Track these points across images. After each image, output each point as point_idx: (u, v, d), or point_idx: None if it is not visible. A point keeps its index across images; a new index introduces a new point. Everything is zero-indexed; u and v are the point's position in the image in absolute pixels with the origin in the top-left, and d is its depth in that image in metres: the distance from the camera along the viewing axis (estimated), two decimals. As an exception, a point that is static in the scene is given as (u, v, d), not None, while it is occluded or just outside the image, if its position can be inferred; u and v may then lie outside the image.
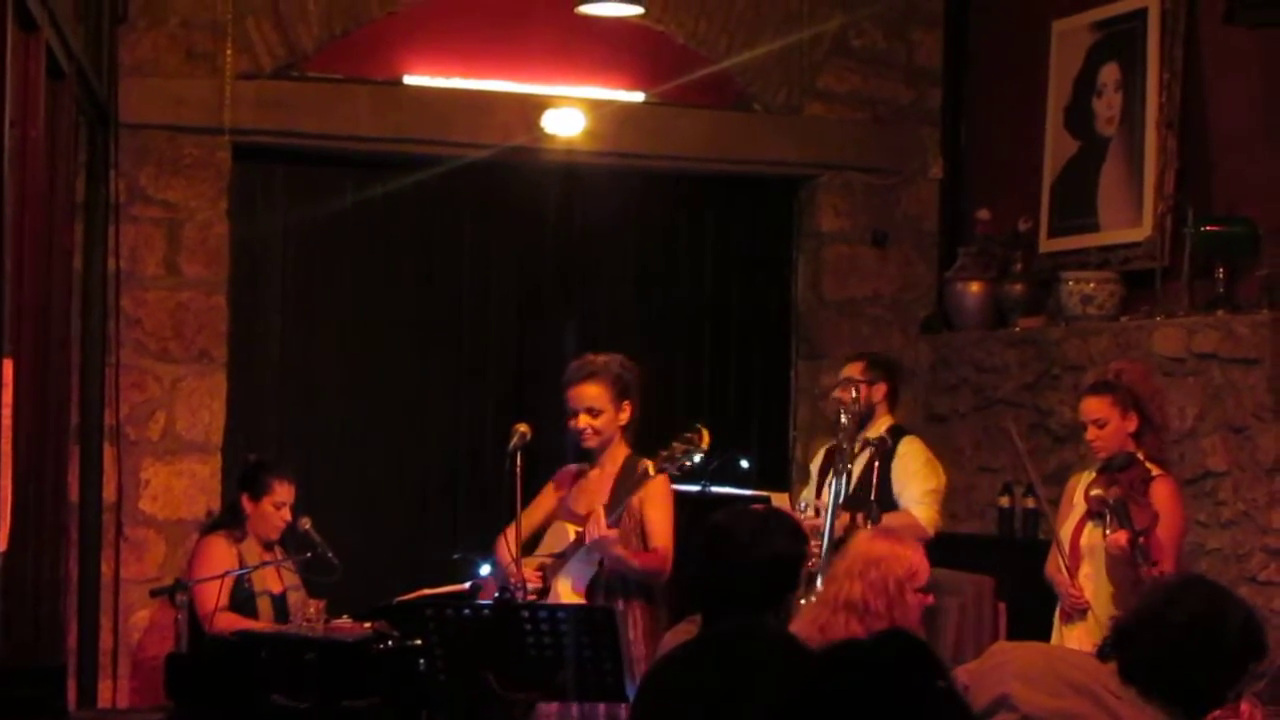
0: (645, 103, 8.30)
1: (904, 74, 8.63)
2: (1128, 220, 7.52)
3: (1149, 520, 5.59)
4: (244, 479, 6.61)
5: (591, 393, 5.78)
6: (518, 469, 5.54)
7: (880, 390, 6.71)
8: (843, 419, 6.43)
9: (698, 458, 5.66)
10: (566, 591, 5.64)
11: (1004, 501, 7.80)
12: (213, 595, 6.19)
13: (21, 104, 5.25)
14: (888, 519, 6.33)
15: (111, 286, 7.46)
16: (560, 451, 5.98)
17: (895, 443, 6.66)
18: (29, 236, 5.47)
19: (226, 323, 7.74)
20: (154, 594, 6.63)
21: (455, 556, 6.20)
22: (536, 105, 8.06)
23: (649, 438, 5.93)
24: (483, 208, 8.26)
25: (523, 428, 5.61)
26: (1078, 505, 5.94)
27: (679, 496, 5.98)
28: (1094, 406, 5.89)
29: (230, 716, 5.95)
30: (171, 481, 7.61)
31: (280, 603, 6.43)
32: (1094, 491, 5.78)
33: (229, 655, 5.97)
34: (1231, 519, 6.68)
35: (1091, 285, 7.53)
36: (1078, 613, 5.83)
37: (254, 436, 7.70)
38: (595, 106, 8.14)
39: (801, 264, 8.68)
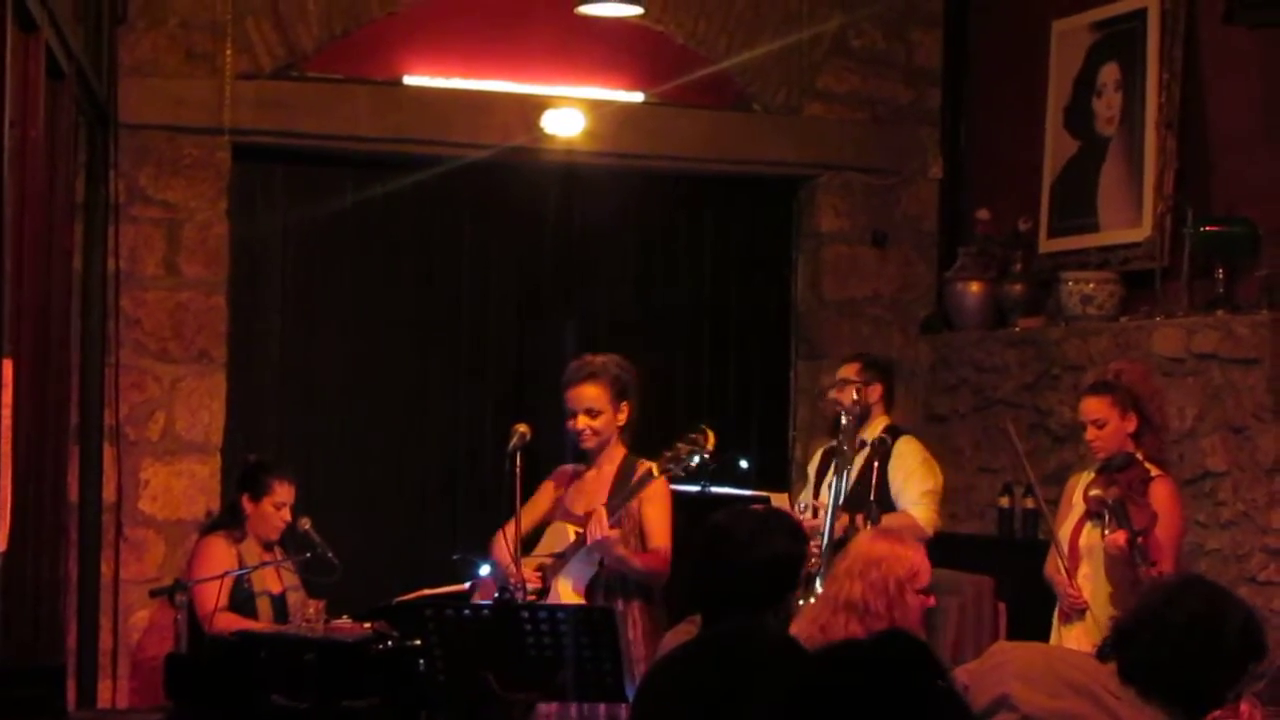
0: (645, 103, 8.30)
1: (903, 74, 8.63)
2: (1127, 220, 7.52)
3: (1148, 520, 5.59)
4: (244, 479, 6.61)
5: (590, 394, 5.78)
6: (517, 469, 5.54)
7: (876, 391, 6.72)
8: (843, 420, 6.43)
9: (702, 458, 5.67)
10: (567, 592, 5.64)
11: (1004, 502, 7.81)
12: (212, 595, 6.19)
13: (21, 104, 5.25)
14: (886, 520, 6.33)
15: (111, 287, 7.46)
16: (560, 452, 5.98)
17: (892, 443, 6.66)
18: (29, 237, 5.47)
19: (226, 323, 7.74)
20: (153, 594, 6.63)
21: (455, 557, 6.20)
22: (536, 105, 8.06)
23: (649, 438, 5.93)
24: (482, 208, 8.26)
25: (522, 428, 5.62)
26: (1077, 505, 5.94)
27: (678, 497, 5.98)
28: (1093, 407, 5.89)
29: (230, 717, 5.94)
30: (171, 482, 7.61)
31: (280, 603, 6.43)
32: (1093, 492, 5.79)
33: (228, 655, 5.97)
34: (1231, 519, 6.68)
35: (1091, 285, 7.53)
36: (1076, 613, 5.83)
37: (253, 437, 7.70)
38: (595, 107, 8.14)
39: (801, 264, 8.69)
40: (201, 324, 7.67)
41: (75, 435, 7.25)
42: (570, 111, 8.09)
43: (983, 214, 8.25)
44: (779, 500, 7.01)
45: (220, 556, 6.40)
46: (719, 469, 6.81)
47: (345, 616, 6.18)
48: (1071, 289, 7.57)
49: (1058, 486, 6.36)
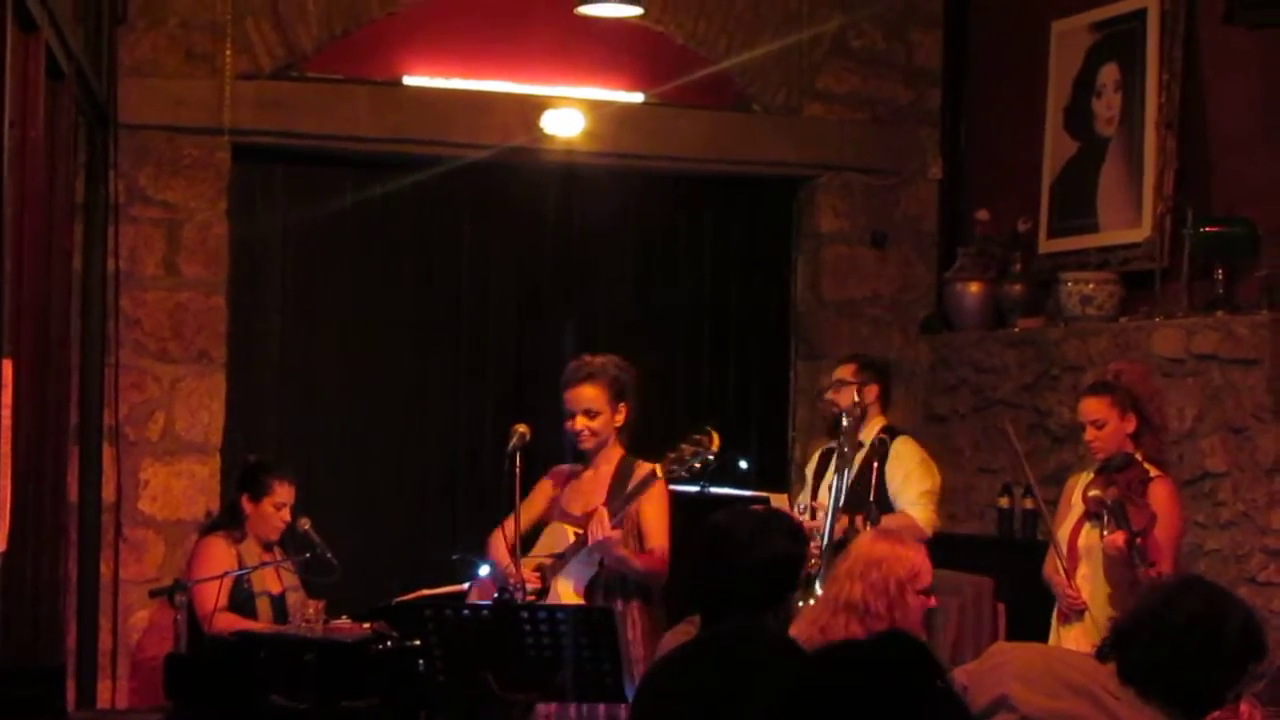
0: (644, 103, 8.30)
1: (903, 74, 8.63)
2: (1127, 221, 7.53)
3: (1146, 521, 5.59)
4: (244, 479, 6.61)
5: (589, 394, 5.78)
6: (517, 469, 5.54)
7: (872, 391, 6.71)
8: (844, 422, 6.43)
9: (708, 460, 5.67)
10: (567, 592, 5.64)
11: (1003, 502, 7.81)
12: (212, 596, 6.19)
13: (21, 104, 5.25)
14: (886, 521, 6.33)
15: (111, 287, 7.46)
16: (559, 452, 5.98)
17: (890, 443, 6.66)
18: (28, 237, 5.47)
19: (226, 323, 7.75)
20: (153, 594, 6.63)
21: (454, 557, 6.20)
22: (536, 106, 8.06)
23: (649, 438, 5.93)
24: (482, 208, 8.26)
25: (522, 428, 5.61)
26: (1076, 506, 5.94)
27: (678, 497, 5.98)
28: (1092, 407, 5.89)
29: (229, 717, 5.95)
30: (171, 482, 7.62)
31: (279, 603, 6.43)
32: (1092, 492, 5.79)
33: (228, 656, 5.98)
34: (1231, 520, 6.68)
35: (1091, 286, 7.53)
36: (1075, 613, 5.83)
37: (253, 437, 7.70)
38: (594, 107, 8.14)
39: (801, 264, 8.69)
40: (201, 324, 7.67)
41: (75, 435, 7.26)
42: (570, 112, 8.09)
43: (982, 214, 8.25)
44: (778, 501, 7.01)
45: (220, 557, 6.40)
46: (718, 469, 6.82)
47: (345, 617, 6.18)
48: (1071, 289, 7.57)
49: (1057, 487, 6.36)
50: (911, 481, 6.64)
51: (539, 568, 5.68)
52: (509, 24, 8.10)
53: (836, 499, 6.26)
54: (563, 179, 8.32)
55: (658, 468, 5.67)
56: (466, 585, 6.03)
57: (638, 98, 8.30)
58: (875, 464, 6.48)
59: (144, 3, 7.57)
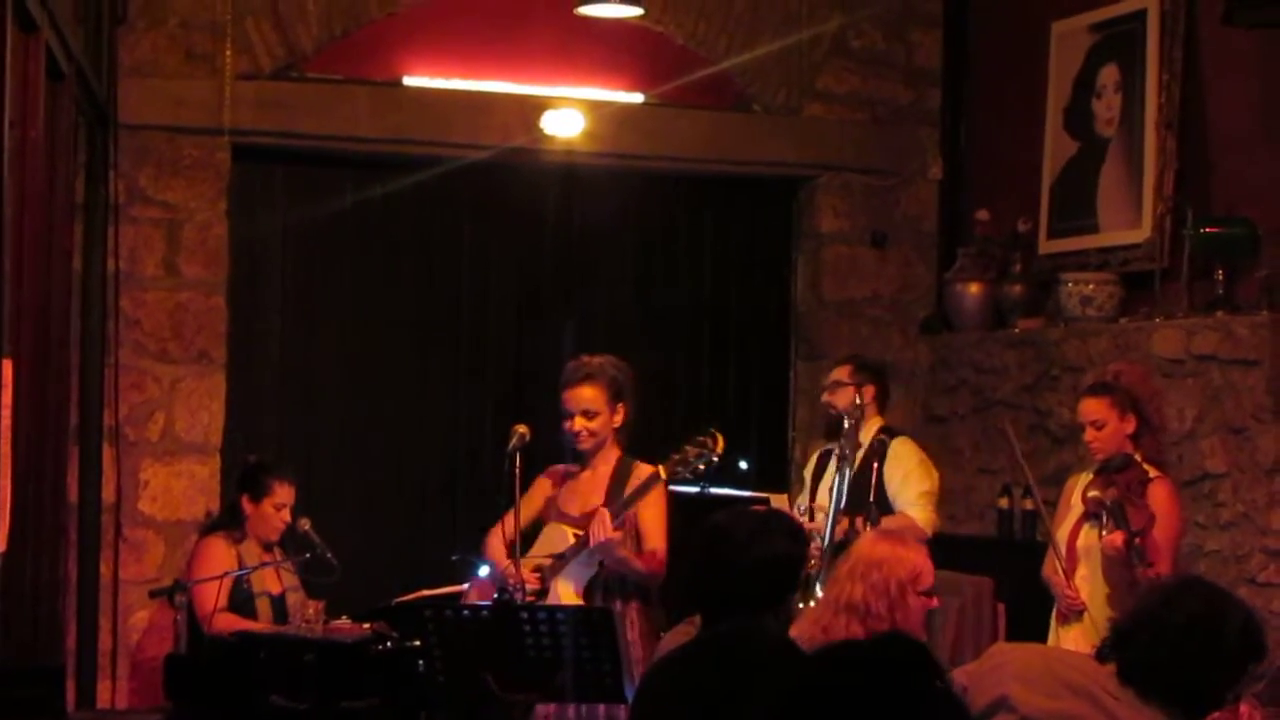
0: (644, 104, 8.30)
1: (903, 75, 8.63)
2: (1127, 221, 7.52)
3: (1145, 521, 5.59)
4: (244, 480, 6.61)
5: (587, 395, 5.78)
6: (517, 470, 5.54)
7: (869, 392, 6.71)
8: (845, 424, 6.43)
9: (712, 461, 5.68)
10: (568, 593, 5.64)
11: (1003, 503, 7.80)
12: (212, 596, 6.19)
13: (21, 105, 5.25)
14: (886, 522, 6.33)
15: (111, 287, 7.46)
16: (559, 452, 5.97)
17: (888, 444, 6.66)
18: (28, 237, 5.47)
19: (226, 323, 7.74)
20: (153, 595, 6.63)
21: (454, 558, 6.20)
22: (536, 106, 8.06)
23: (649, 439, 5.93)
24: (482, 208, 8.26)
25: (522, 429, 5.62)
26: (1075, 507, 5.94)
27: (678, 498, 5.98)
28: (1092, 408, 5.89)
29: (229, 717, 5.95)
30: (170, 482, 7.61)
31: (279, 604, 6.43)
32: (1091, 493, 5.79)
33: (228, 656, 5.98)
34: (1231, 520, 6.68)
35: (1091, 286, 7.53)
36: (1074, 614, 5.83)
37: (253, 437, 7.69)
38: (594, 107, 8.14)
39: (801, 265, 8.69)
40: (201, 324, 7.67)
41: (75, 436, 7.25)
42: (570, 112, 8.09)
43: (982, 215, 8.25)
44: (778, 501, 7.01)
45: (220, 557, 6.40)
46: (718, 470, 6.82)
47: (345, 617, 6.18)
48: (1071, 290, 7.57)
49: (1057, 487, 6.36)
50: (910, 482, 6.63)
51: (538, 568, 5.69)
52: (509, 24, 8.10)
53: (838, 500, 6.25)
54: (563, 179, 8.32)
55: (661, 469, 5.67)
56: (467, 586, 6.03)
57: (638, 98, 8.30)
58: (874, 465, 6.48)
59: (144, 3, 7.57)
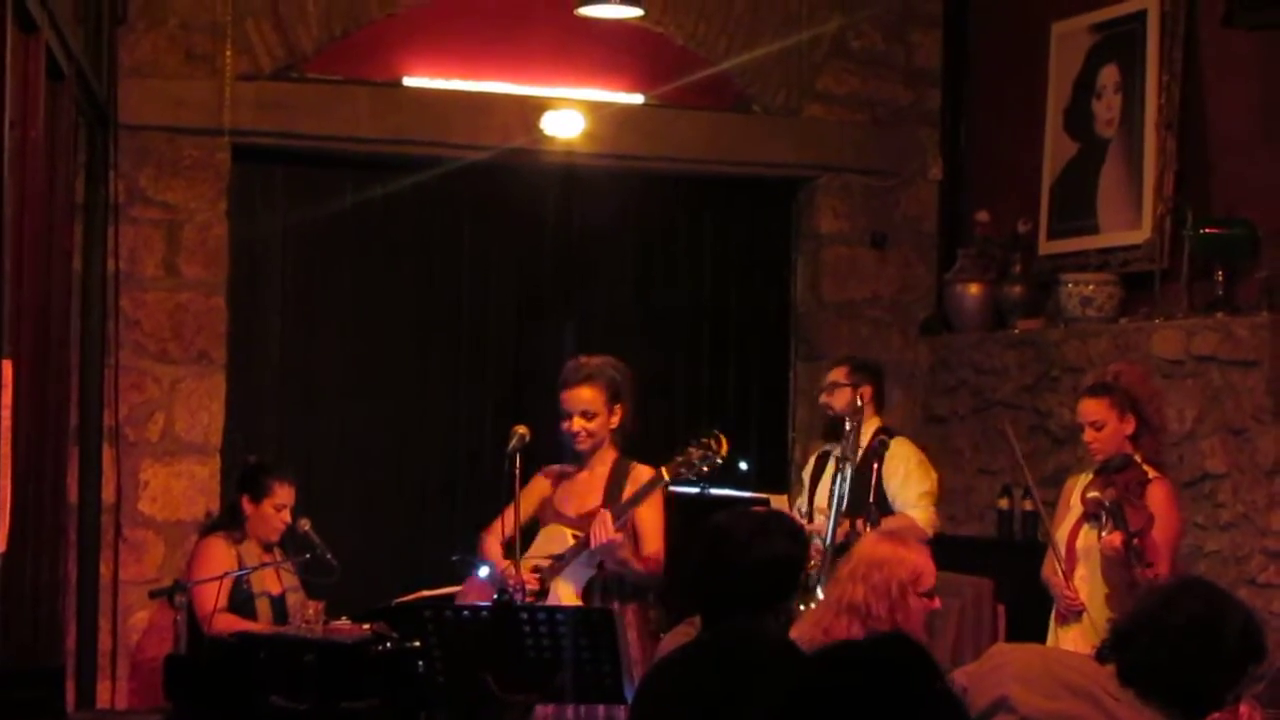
0: (644, 104, 8.30)
1: (903, 75, 8.63)
2: (1127, 222, 7.52)
3: (1144, 522, 5.59)
4: (244, 480, 6.61)
5: (586, 396, 5.78)
6: (517, 470, 5.54)
7: (866, 392, 6.71)
8: (846, 425, 6.43)
9: (716, 464, 5.67)
10: (568, 594, 5.64)
11: (1003, 504, 7.80)
12: (211, 596, 6.19)
13: (21, 105, 5.25)
14: (886, 523, 6.34)
15: (111, 287, 7.46)
16: (559, 453, 5.97)
17: (888, 445, 6.66)
18: (28, 237, 5.47)
19: (226, 324, 7.74)
20: (153, 595, 6.63)
21: (454, 558, 6.20)
22: (536, 107, 8.06)
23: (649, 439, 5.93)
24: (482, 209, 8.26)
25: (522, 429, 5.62)
26: (1074, 507, 5.95)
27: (678, 498, 5.98)
28: (1091, 408, 5.90)
29: (229, 718, 5.95)
30: (170, 483, 7.61)
31: (279, 604, 6.43)
32: (1090, 493, 5.79)
33: (228, 656, 5.98)
34: (1230, 521, 6.68)
35: (1091, 287, 7.53)
36: (1073, 614, 5.83)
37: (253, 438, 7.69)
38: (594, 108, 8.14)
39: (800, 265, 8.69)
40: (201, 325, 7.67)
41: (75, 436, 7.25)
42: (570, 113, 8.09)
43: (982, 216, 8.25)
44: (778, 502, 7.02)
45: (220, 557, 6.40)
46: (719, 471, 6.82)
47: (344, 618, 6.18)
48: (1071, 291, 7.57)
49: (1057, 488, 6.36)
50: (910, 483, 6.64)
51: (536, 569, 5.68)
52: (509, 25, 8.10)
53: (839, 502, 6.25)
54: (563, 180, 8.32)
55: (664, 470, 5.67)
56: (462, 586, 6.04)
57: (638, 99, 8.30)
58: (874, 466, 6.48)
59: (144, 3, 7.57)
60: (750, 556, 4.04)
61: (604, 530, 5.56)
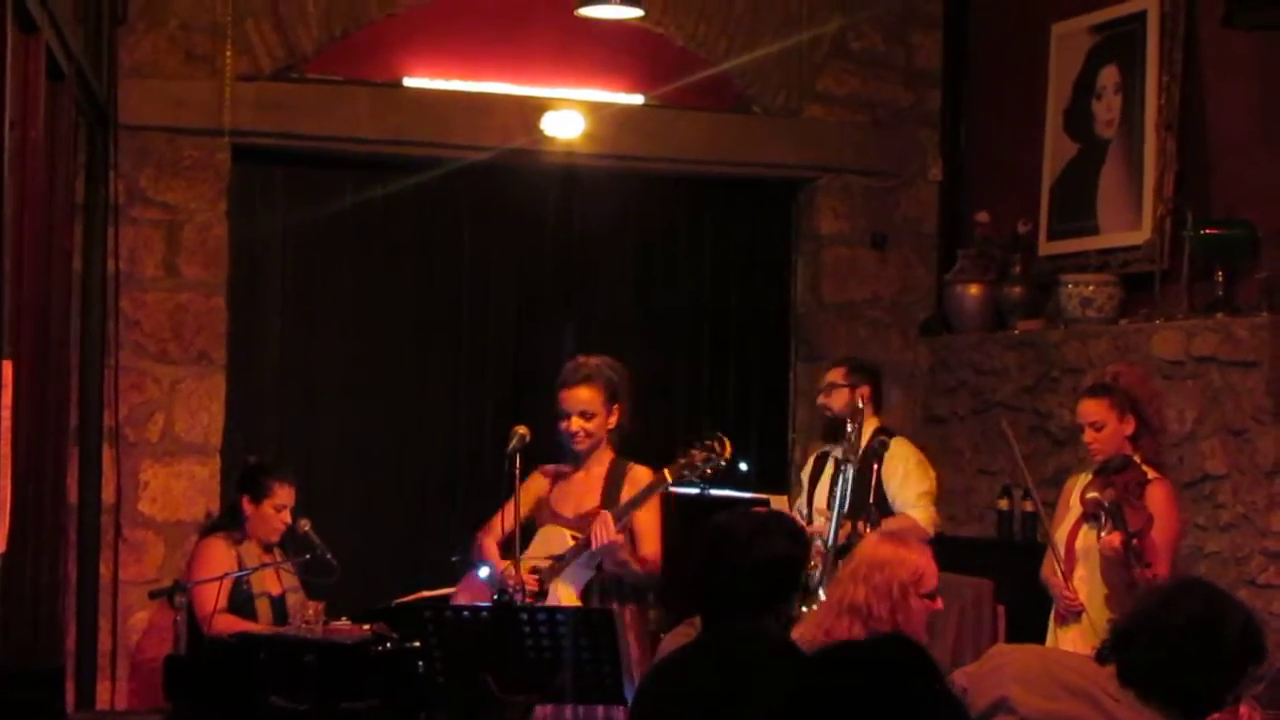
0: (645, 105, 8.30)
1: (903, 76, 8.63)
2: (1127, 223, 7.52)
3: (1143, 523, 5.60)
4: (244, 481, 6.61)
5: (585, 396, 5.79)
6: (517, 471, 5.54)
7: (863, 393, 6.71)
8: (849, 427, 6.43)
9: (720, 466, 5.68)
10: (568, 595, 5.64)
11: (1003, 504, 7.80)
12: (211, 597, 6.19)
13: (21, 105, 5.25)
14: (888, 523, 6.34)
15: (111, 288, 7.46)
16: (559, 454, 5.98)
17: (888, 445, 6.66)
18: (28, 237, 5.47)
19: (226, 324, 7.74)
20: (153, 595, 6.63)
21: (454, 559, 6.20)
22: (536, 107, 8.06)
23: (649, 440, 5.93)
24: (482, 210, 8.26)
25: (522, 430, 5.62)
26: (1074, 508, 5.95)
27: (678, 499, 5.98)
28: (1091, 409, 5.90)
29: (229, 718, 5.95)
30: (170, 483, 7.61)
31: (279, 604, 6.42)
32: (1089, 494, 5.80)
33: (228, 657, 5.98)
34: (1231, 522, 6.68)
35: (1091, 288, 7.53)
36: (1072, 615, 5.83)
37: (253, 438, 7.69)
38: (595, 109, 8.14)
39: (801, 266, 8.68)
40: (201, 325, 7.67)
41: (75, 436, 7.25)
42: (570, 113, 8.09)
43: (982, 216, 8.25)
44: (779, 503, 7.01)
45: (220, 558, 6.40)
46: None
47: (345, 618, 6.18)
48: (1071, 291, 7.57)
49: (1057, 489, 6.36)
50: (910, 483, 6.64)
51: (535, 570, 5.68)
52: (509, 25, 8.10)
53: (842, 503, 6.25)
54: (563, 181, 8.32)
55: (667, 472, 5.67)
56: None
57: (638, 99, 8.30)
58: (874, 466, 6.48)
59: (144, 4, 7.57)
60: (750, 557, 4.04)
61: (606, 532, 5.56)
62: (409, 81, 7.98)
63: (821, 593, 5.74)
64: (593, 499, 5.74)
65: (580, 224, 8.39)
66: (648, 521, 5.73)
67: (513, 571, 5.55)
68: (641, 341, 8.09)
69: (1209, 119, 7.27)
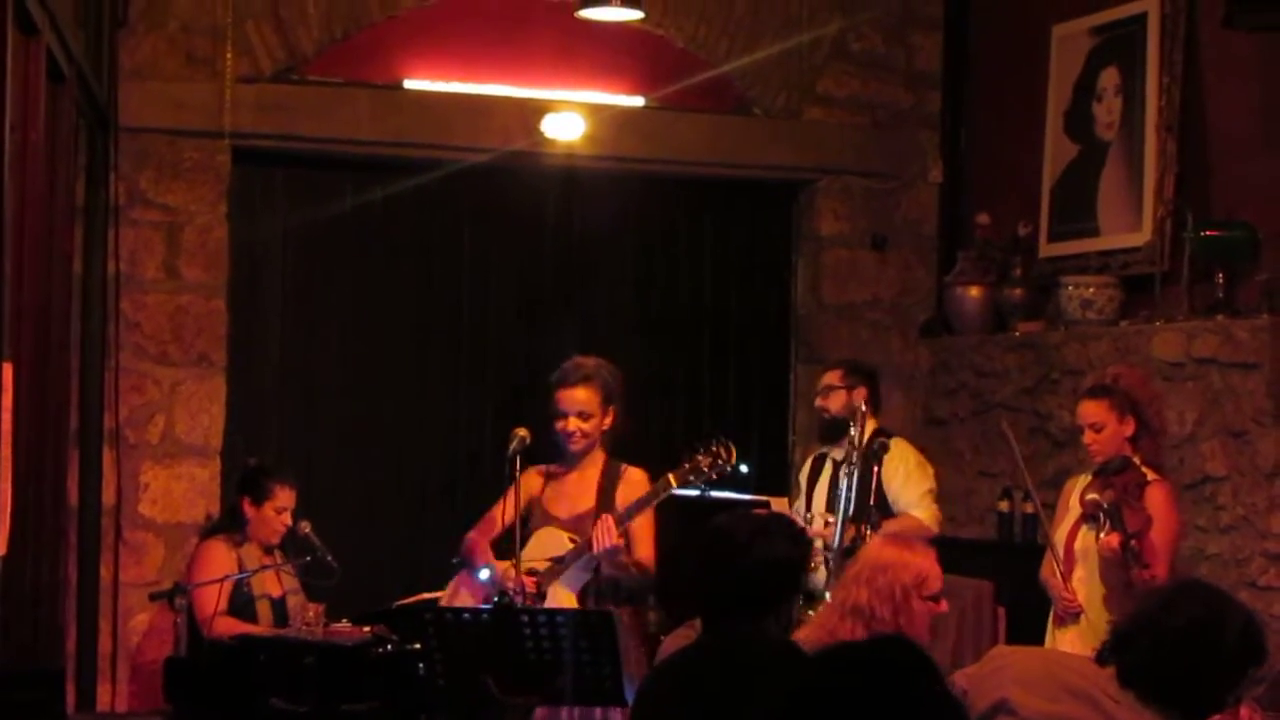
0: (645, 107, 8.31)
1: (903, 78, 8.63)
2: (1127, 225, 7.52)
3: (1142, 524, 5.60)
4: (244, 483, 6.60)
5: (583, 396, 5.80)
6: (517, 472, 5.54)
7: (861, 394, 6.71)
8: (852, 429, 6.42)
9: (724, 472, 5.68)
10: (566, 597, 5.64)
11: (1003, 506, 7.80)
12: (212, 599, 6.18)
13: (22, 107, 5.25)
14: (890, 525, 6.33)
15: (111, 290, 7.46)
16: (558, 455, 5.97)
17: (888, 446, 6.66)
18: (29, 239, 5.47)
19: (226, 326, 7.74)
20: (153, 597, 6.63)
21: (455, 561, 6.20)
22: (536, 109, 8.06)
23: (649, 441, 5.93)
24: (482, 211, 8.26)
25: (522, 432, 5.62)
26: (1073, 509, 5.95)
27: (678, 501, 5.98)
28: (1091, 410, 5.90)
29: (229, 720, 5.95)
30: (171, 485, 7.61)
31: (279, 606, 6.42)
32: (1089, 495, 5.80)
33: (228, 659, 5.98)
34: (1231, 524, 6.68)
35: (1091, 290, 7.53)
36: (1071, 616, 5.83)
37: (253, 440, 7.69)
38: (595, 111, 8.15)
39: (801, 268, 8.68)
40: (201, 327, 7.67)
41: (75, 438, 7.25)
42: (570, 115, 8.09)
43: (983, 218, 8.25)
44: (779, 504, 7.01)
45: (220, 560, 6.39)
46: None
47: (345, 620, 6.18)
48: (1071, 293, 7.57)
49: (1057, 490, 6.36)
50: (911, 483, 6.65)
51: (533, 572, 5.68)
52: (509, 27, 8.10)
53: (846, 505, 6.25)
54: (563, 182, 8.32)
55: (673, 478, 5.67)
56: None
57: (638, 101, 8.30)
58: (874, 468, 6.48)
59: (145, 6, 7.57)
60: (750, 558, 4.04)
61: (608, 535, 5.56)
62: (409, 83, 7.98)
63: (828, 595, 5.74)
64: (587, 500, 5.74)
65: (580, 226, 8.39)
66: (642, 525, 5.74)
67: (512, 573, 5.55)
68: (641, 343, 8.09)
69: (1209, 121, 7.27)
